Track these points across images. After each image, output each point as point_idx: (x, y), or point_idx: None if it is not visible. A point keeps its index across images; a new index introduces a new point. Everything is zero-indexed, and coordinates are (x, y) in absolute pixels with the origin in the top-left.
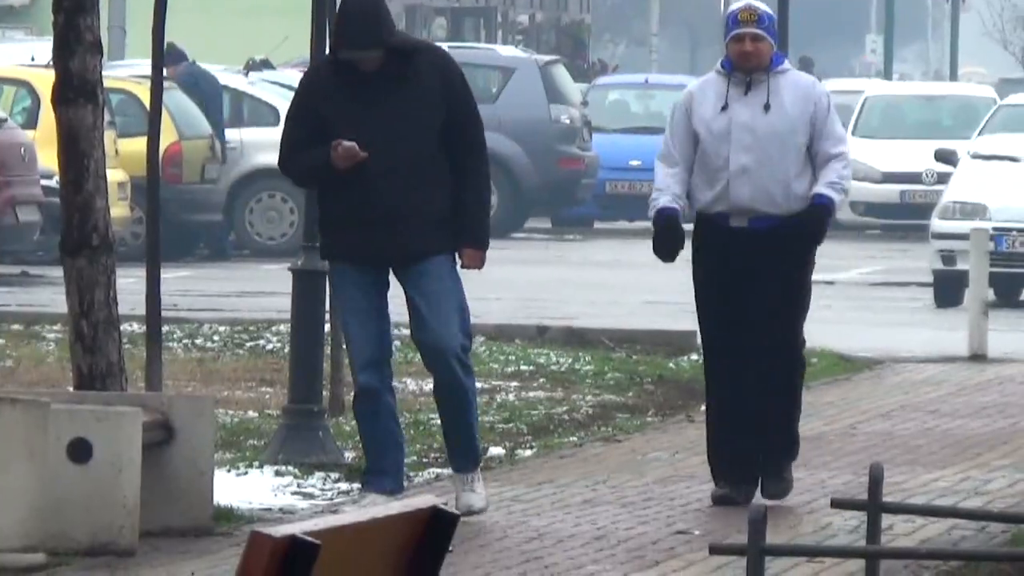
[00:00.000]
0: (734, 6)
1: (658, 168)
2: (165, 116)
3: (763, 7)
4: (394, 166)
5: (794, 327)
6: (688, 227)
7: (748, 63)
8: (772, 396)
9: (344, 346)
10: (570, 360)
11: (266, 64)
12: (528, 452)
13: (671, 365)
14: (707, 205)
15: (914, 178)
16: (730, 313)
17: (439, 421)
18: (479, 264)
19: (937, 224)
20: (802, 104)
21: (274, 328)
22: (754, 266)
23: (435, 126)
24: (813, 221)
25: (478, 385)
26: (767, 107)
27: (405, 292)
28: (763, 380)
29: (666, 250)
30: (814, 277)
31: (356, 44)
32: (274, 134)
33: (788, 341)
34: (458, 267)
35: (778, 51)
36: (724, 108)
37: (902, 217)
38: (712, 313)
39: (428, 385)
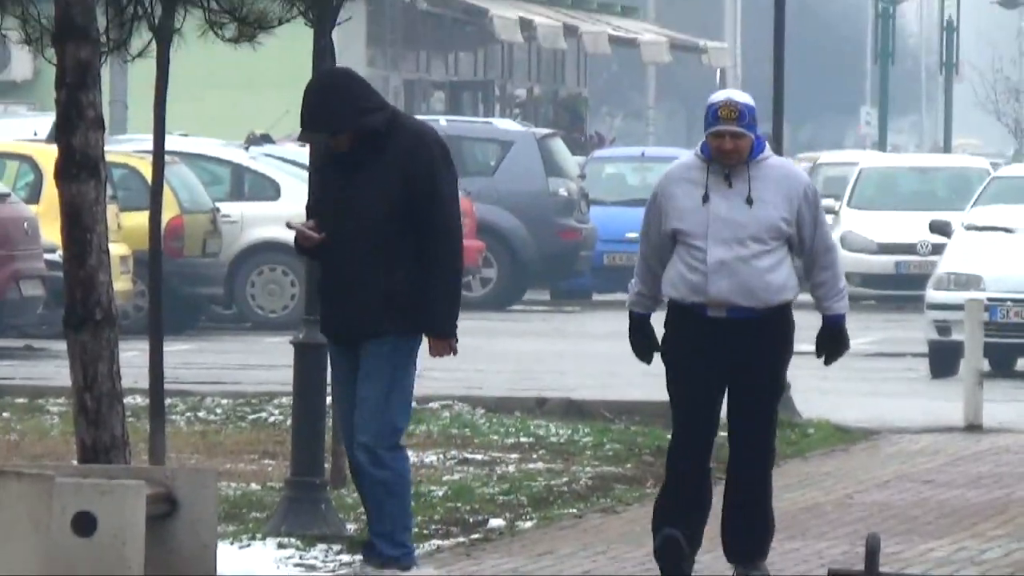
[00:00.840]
0: (714, 98)
1: (638, 256)
2: (167, 190)
3: (744, 99)
4: (350, 244)
5: (770, 418)
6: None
7: (728, 160)
8: (745, 487)
9: None
10: (569, 432)
11: (266, 138)
12: (528, 524)
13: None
14: (683, 296)
15: (909, 249)
16: (703, 400)
17: (440, 492)
18: (445, 352)
19: (932, 295)
20: (786, 195)
21: (276, 401)
22: (731, 356)
23: (392, 208)
24: (834, 341)
25: (479, 456)
26: (749, 201)
27: None
28: (737, 470)
29: (641, 352)
30: (811, 348)
31: (306, 126)
32: (274, 208)
33: (763, 432)
34: (419, 353)
35: (759, 136)
36: (704, 199)
37: (897, 288)
38: (684, 400)
39: (428, 457)
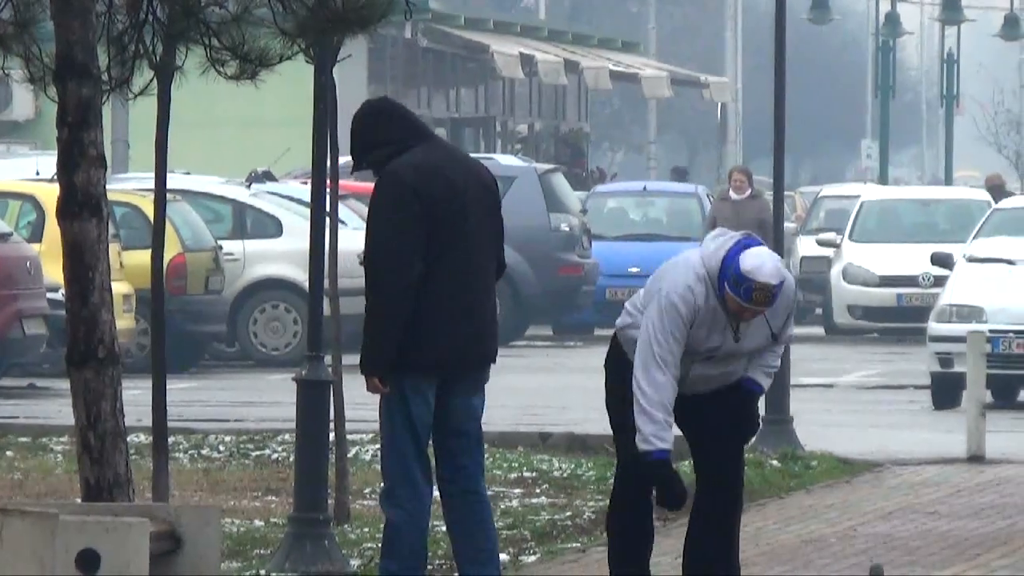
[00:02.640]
0: (752, 274)
1: (654, 375)
2: (169, 228)
3: (779, 279)
4: None
5: (740, 457)
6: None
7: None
8: (714, 534)
9: (348, 455)
10: (572, 466)
11: (268, 176)
12: (532, 558)
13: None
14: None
15: (911, 281)
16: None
17: (443, 528)
18: (370, 389)
19: (934, 327)
20: (783, 311)
21: (279, 437)
22: (695, 412)
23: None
24: (747, 410)
25: None
26: (768, 323)
27: None
28: (705, 518)
29: (673, 501)
30: (814, 380)
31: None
32: (276, 245)
33: (733, 479)
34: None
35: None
36: (714, 332)
37: (899, 320)
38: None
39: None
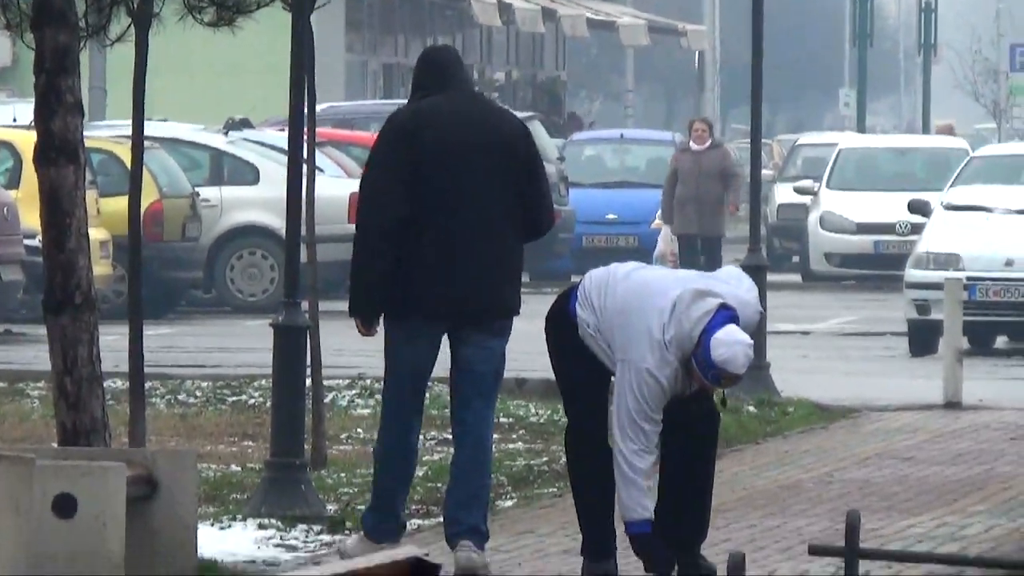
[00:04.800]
0: (725, 366)
1: (634, 445)
2: (146, 175)
3: (749, 358)
4: None
5: (710, 399)
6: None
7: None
8: (688, 470)
9: (325, 401)
10: (549, 412)
11: (245, 123)
12: (508, 503)
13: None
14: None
15: (888, 229)
16: (598, 380)
17: (420, 473)
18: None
19: (911, 274)
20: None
21: (256, 383)
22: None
23: None
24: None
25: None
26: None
27: None
28: (680, 453)
29: (661, 566)
30: (791, 327)
31: None
32: (253, 192)
33: (708, 412)
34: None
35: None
36: (673, 386)
37: (876, 268)
38: (580, 382)
39: None
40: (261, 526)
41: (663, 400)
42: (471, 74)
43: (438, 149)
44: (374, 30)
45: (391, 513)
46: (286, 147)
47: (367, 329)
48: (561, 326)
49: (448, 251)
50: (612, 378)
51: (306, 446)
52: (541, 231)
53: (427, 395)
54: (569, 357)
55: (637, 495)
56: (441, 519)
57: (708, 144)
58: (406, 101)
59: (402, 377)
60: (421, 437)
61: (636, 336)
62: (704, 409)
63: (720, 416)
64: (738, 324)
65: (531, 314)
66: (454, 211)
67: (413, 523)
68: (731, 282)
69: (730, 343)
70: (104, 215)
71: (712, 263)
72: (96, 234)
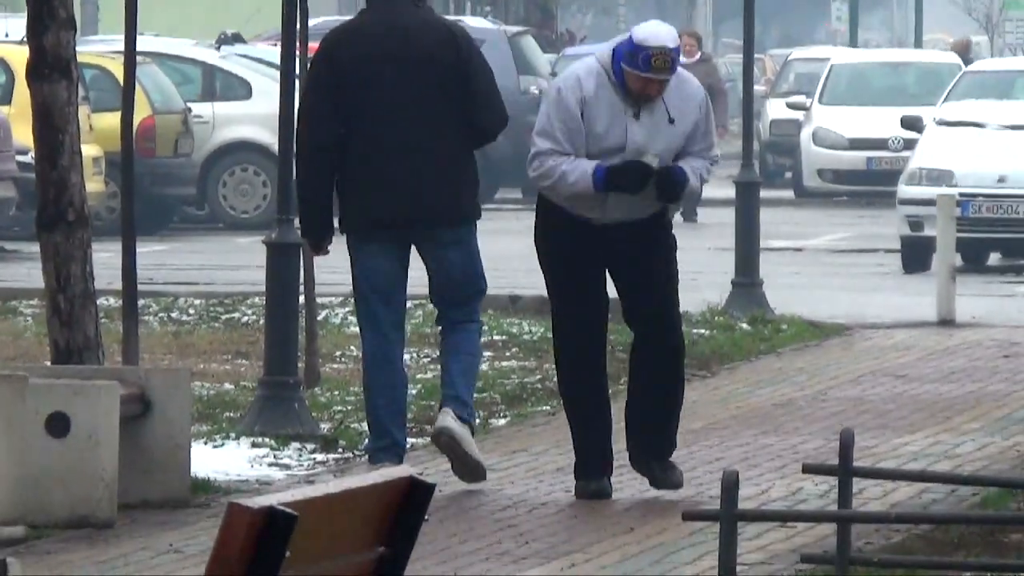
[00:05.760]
0: (645, 39)
1: (551, 159)
2: (138, 91)
3: (675, 41)
4: None
5: (673, 310)
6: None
7: (649, 98)
8: (655, 385)
9: (318, 318)
10: (543, 329)
11: (237, 38)
12: (502, 421)
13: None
14: (573, 208)
15: (880, 145)
16: (590, 297)
17: (413, 391)
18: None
19: (904, 190)
20: (691, 112)
21: (249, 301)
22: (616, 255)
23: None
24: (667, 183)
25: None
26: (671, 120)
27: None
28: (645, 369)
29: (637, 181)
30: (783, 244)
31: None
32: (246, 108)
33: (670, 325)
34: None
35: None
36: (615, 124)
37: (869, 183)
38: (572, 304)
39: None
40: (254, 444)
41: (577, 124)
42: None
43: (352, 67)
44: None
45: (385, 433)
46: (279, 62)
47: (317, 250)
48: (552, 220)
49: (376, 165)
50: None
51: (299, 364)
52: (488, 134)
53: (419, 313)
54: (565, 258)
55: (577, 173)
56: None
57: (696, 58)
58: None
59: (365, 291)
60: (412, 355)
61: (559, 80)
62: (667, 345)
63: (683, 351)
64: None
65: (525, 231)
66: (377, 125)
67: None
68: None
69: (648, 24)
70: (96, 131)
71: None
72: (88, 150)
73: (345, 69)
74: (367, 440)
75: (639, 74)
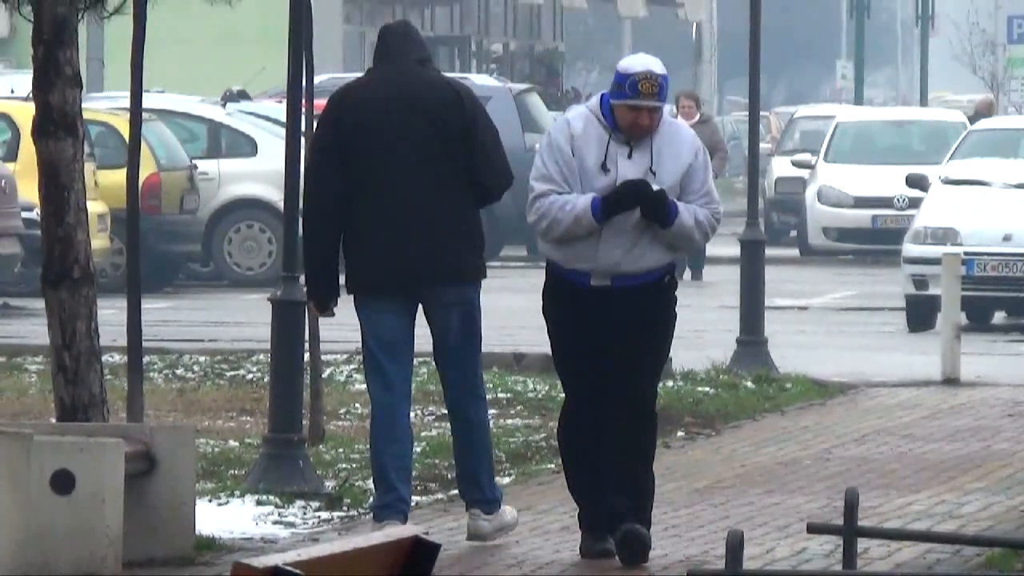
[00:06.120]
0: (633, 68)
1: (550, 198)
2: (144, 148)
3: (661, 69)
4: None
5: (650, 383)
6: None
7: (640, 134)
8: (627, 454)
9: (323, 376)
10: (547, 387)
11: (243, 95)
12: (507, 479)
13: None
14: (566, 260)
15: (886, 203)
16: (589, 365)
17: (418, 448)
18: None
19: (909, 249)
20: (683, 159)
21: (254, 358)
22: (614, 320)
23: None
24: (657, 198)
25: None
26: (652, 171)
27: None
28: (620, 436)
29: (633, 194)
30: (788, 302)
31: None
32: (251, 165)
33: (642, 397)
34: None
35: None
36: (605, 167)
37: (874, 242)
38: (573, 366)
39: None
40: (259, 502)
41: (566, 163)
42: (469, 45)
43: (358, 126)
44: (372, 1)
45: (391, 488)
46: (284, 119)
47: (321, 311)
48: (553, 287)
49: (379, 225)
50: (609, 359)
51: (304, 421)
52: (493, 193)
53: (424, 371)
54: (566, 328)
55: (571, 209)
56: (440, 496)
57: (696, 120)
58: None
59: (372, 349)
60: (418, 412)
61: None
62: (641, 411)
63: (655, 418)
64: None
65: (530, 288)
66: (382, 184)
67: (412, 500)
68: None
69: (630, 56)
70: (102, 188)
71: None
72: (94, 207)
73: (351, 128)
74: (372, 498)
75: (627, 102)
